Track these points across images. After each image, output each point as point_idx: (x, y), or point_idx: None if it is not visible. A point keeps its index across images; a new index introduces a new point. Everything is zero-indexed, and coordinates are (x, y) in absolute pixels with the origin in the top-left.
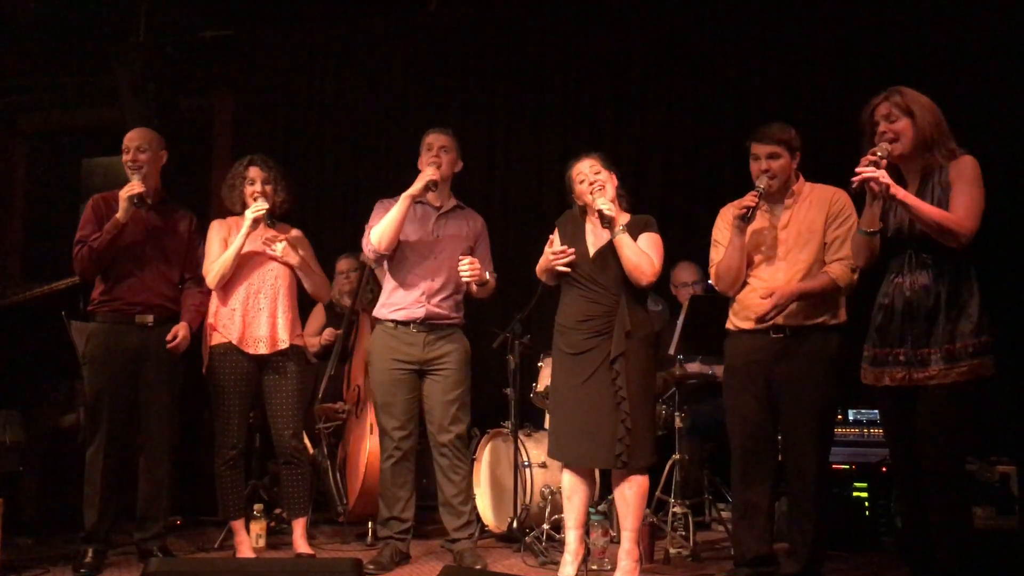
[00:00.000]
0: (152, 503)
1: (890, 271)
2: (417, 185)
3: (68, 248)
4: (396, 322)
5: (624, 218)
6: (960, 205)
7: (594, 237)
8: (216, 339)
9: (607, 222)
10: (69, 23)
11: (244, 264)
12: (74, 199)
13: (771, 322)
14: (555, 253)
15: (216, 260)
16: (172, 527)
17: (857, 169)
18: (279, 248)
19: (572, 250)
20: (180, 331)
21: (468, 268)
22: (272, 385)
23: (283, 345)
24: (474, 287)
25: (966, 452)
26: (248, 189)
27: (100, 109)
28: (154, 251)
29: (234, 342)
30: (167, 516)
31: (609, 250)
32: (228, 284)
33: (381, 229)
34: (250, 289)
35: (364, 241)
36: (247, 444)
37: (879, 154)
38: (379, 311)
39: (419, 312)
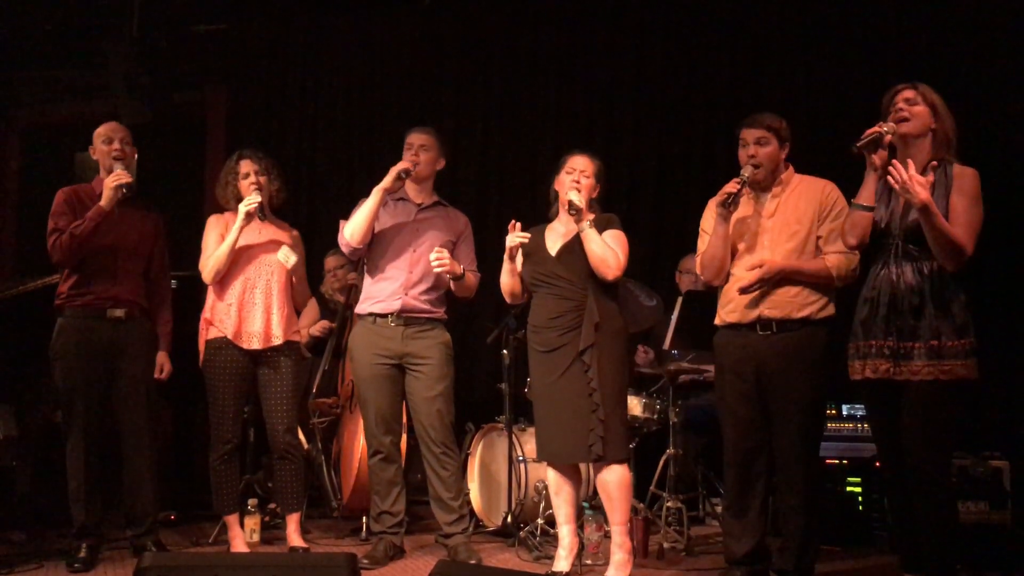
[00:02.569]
0: (138, 498)
1: (875, 263)
2: (388, 177)
3: None
4: (375, 315)
5: (589, 218)
6: (963, 225)
7: (555, 236)
8: (212, 333)
9: (574, 211)
10: (62, 16)
11: (240, 259)
12: None
13: (753, 293)
14: (514, 233)
15: (210, 256)
16: (166, 522)
17: (868, 131)
18: (289, 260)
19: (527, 235)
20: (165, 365)
21: (437, 258)
22: (266, 380)
23: (276, 341)
24: (448, 280)
25: (950, 450)
26: (242, 183)
27: (93, 103)
28: (124, 247)
29: (229, 337)
30: (157, 510)
31: (572, 246)
32: (225, 279)
33: (353, 223)
34: (246, 284)
35: (340, 237)
36: (241, 439)
37: (884, 129)
38: (360, 307)
39: (396, 304)
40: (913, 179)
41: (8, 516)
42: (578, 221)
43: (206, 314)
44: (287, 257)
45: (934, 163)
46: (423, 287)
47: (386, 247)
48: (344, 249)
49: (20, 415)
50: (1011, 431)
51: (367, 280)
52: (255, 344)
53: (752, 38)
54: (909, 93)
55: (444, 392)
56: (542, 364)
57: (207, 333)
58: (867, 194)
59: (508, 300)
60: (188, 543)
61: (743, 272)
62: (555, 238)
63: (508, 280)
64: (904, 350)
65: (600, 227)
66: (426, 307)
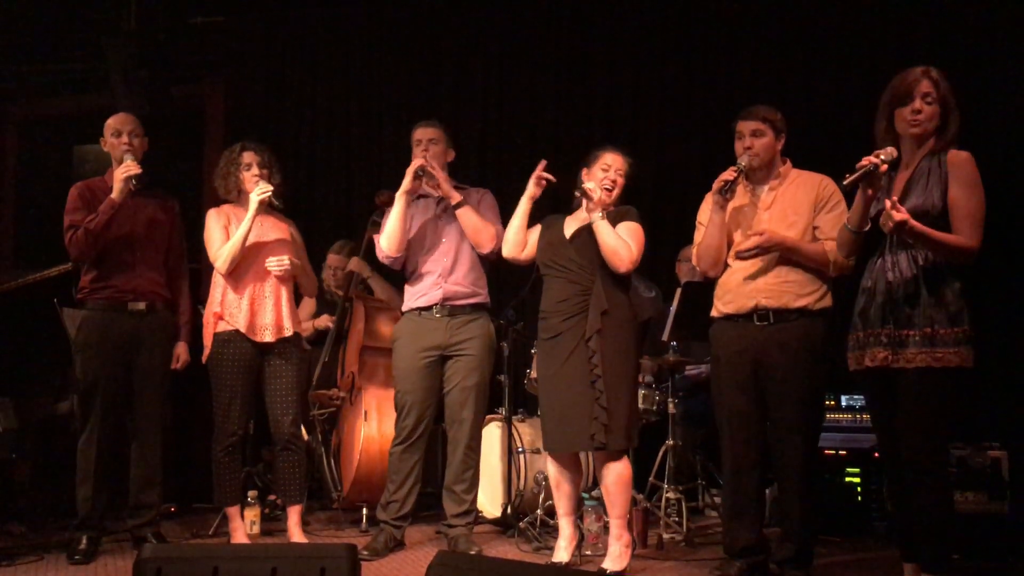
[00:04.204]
0: (145, 490)
1: (872, 253)
2: (406, 181)
3: (60, 235)
4: (420, 309)
5: (609, 209)
6: (964, 219)
7: (573, 222)
8: (221, 327)
9: (580, 192)
10: (60, 10)
11: (250, 253)
12: (65, 186)
13: (747, 258)
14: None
15: (223, 247)
16: (166, 514)
17: (861, 162)
18: (275, 265)
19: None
20: (182, 355)
21: (425, 161)
22: (273, 371)
23: (288, 333)
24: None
25: (945, 439)
26: (245, 174)
27: (91, 96)
28: (142, 237)
29: (242, 330)
30: (160, 503)
31: (585, 231)
32: (236, 273)
33: (387, 234)
34: (256, 279)
35: (377, 251)
36: (244, 431)
37: (882, 157)
38: (404, 307)
39: (438, 293)
40: (901, 218)
41: (8, 508)
42: (589, 209)
43: (215, 307)
44: (278, 265)
45: None
46: (461, 271)
47: (418, 246)
48: (384, 261)
49: (20, 408)
50: (1010, 421)
51: (407, 284)
52: (267, 337)
53: (752, 28)
54: (927, 86)
55: (480, 383)
56: (547, 352)
57: (215, 326)
58: (858, 220)
59: (507, 250)
60: (188, 535)
61: (739, 264)
62: (572, 224)
63: (517, 223)
64: (900, 338)
65: (616, 219)
66: (467, 290)
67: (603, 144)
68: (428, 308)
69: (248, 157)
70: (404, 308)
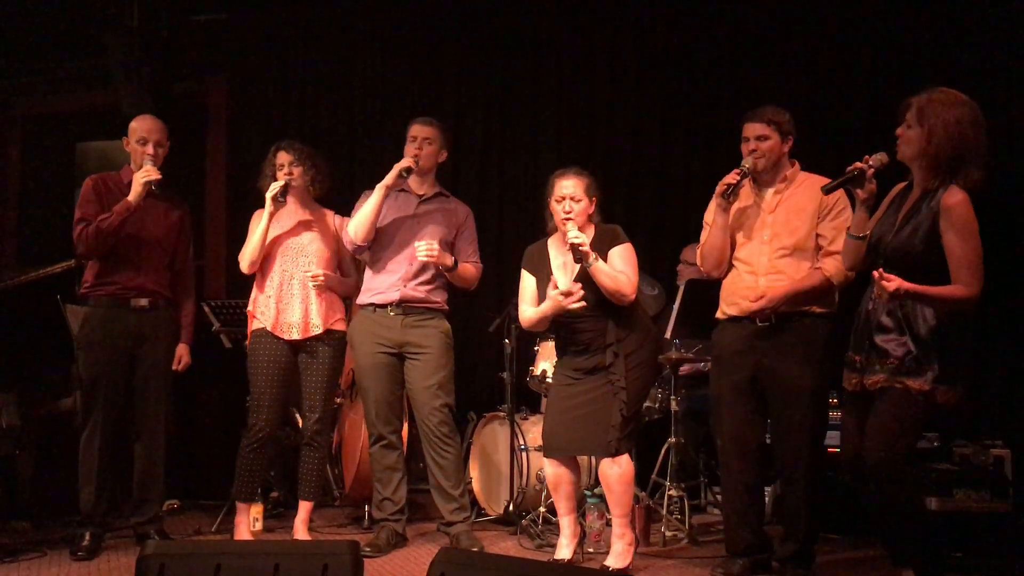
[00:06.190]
0: (148, 486)
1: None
2: (391, 174)
3: (62, 232)
4: (375, 305)
5: (590, 231)
6: (961, 268)
7: (560, 265)
8: (255, 324)
9: (578, 255)
10: (63, 7)
11: (278, 251)
12: (68, 183)
13: (757, 316)
14: (564, 294)
15: (244, 247)
16: (169, 510)
17: (851, 167)
18: (308, 278)
19: (579, 290)
20: (184, 356)
21: (426, 250)
22: (304, 367)
23: (316, 331)
24: (440, 268)
25: (904, 449)
26: (279, 174)
27: (94, 93)
28: (150, 236)
29: (269, 328)
30: (163, 499)
31: (582, 279)
32: (264, 270)
33: (357, 221)
34: (284, 276)
35: (344, 235)
36: (273, 428)
37: (871, 163)
38: (360, 297)
39: (394, 295)
40: (890, 286)
41: (11, 505)
42: (584, 261)
43: (249, 306)
44: (312, 279)
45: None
46: (422, 278)
47: (387, 240)
48: (349, 247)
49: (23, 404)
50: (1013, 419)
51: (368, 273)
52: (294, 335)
53: (757, 27)
54: (909, 111)
55: (442, 381)
56: (568, 364)
57: (251, 324)
58: (857, 224)
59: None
60: (191, 531)
61: (743, 266)
62: (560, 266)
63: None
64: (870, 366)
65: (605, 243)
66: (425, 297)
67: (556, 171)
68: (383, 306)
69: (282, 157)
70: (360, 301)
